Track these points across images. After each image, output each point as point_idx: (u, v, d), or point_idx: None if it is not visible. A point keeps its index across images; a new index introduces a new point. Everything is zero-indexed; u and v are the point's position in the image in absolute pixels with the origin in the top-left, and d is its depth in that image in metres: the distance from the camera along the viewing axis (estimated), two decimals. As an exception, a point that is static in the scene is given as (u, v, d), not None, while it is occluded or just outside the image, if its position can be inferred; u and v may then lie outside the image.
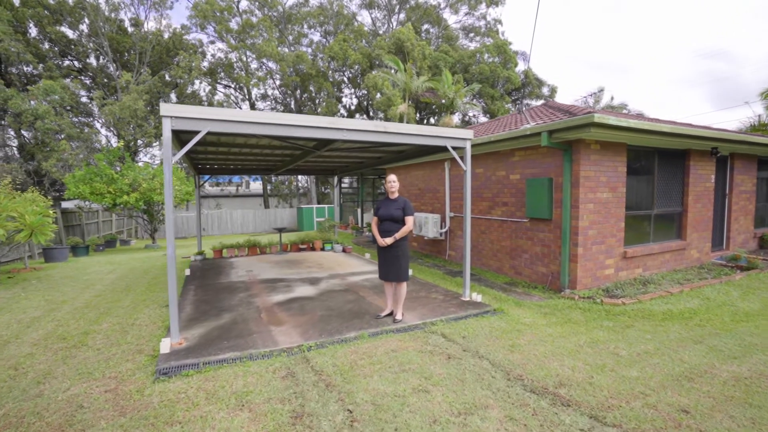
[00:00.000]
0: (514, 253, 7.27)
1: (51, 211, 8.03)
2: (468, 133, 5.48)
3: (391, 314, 4.91)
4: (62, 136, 19.06)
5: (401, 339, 4.19)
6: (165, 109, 3.81)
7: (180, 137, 4.60)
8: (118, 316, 5.23)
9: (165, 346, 3.87)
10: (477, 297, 5.59)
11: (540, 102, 29.32)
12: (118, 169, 13.16)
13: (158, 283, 7.19)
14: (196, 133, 3.99)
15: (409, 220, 4.60)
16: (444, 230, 9.21)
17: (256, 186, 34.01)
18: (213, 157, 7.99)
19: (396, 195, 4.74)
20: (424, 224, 9.39)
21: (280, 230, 10.37)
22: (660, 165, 7.07)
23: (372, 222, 4.83)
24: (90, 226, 15.72)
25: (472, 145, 7.18)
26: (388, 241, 4.56)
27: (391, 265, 4.63)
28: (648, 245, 6.95)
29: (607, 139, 6.00)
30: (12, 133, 21.10)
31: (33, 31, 23.06)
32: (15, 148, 21.93)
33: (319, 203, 27.56)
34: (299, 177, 31.20)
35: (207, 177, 11.33)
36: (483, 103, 27.55)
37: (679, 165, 7.39)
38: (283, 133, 4.32)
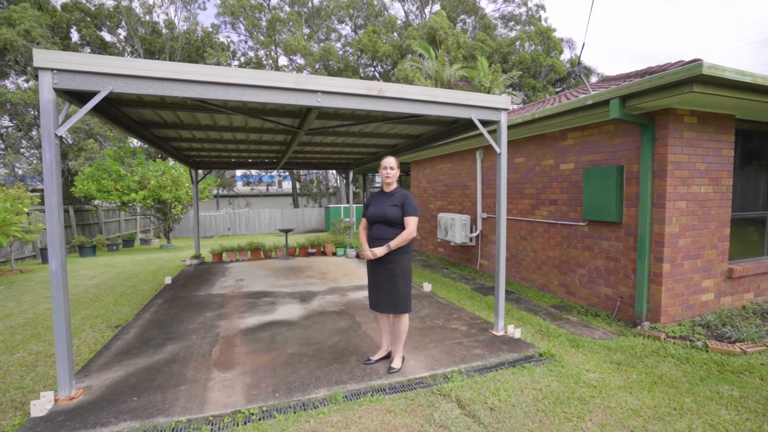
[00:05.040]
0: (566, 266, 5.54)
1: (27, 210, 7.30)
2: (503, 101, 3.89)
3: (387, 357, 3.45)
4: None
5: (392, 408, 2.71)
6: (41, 58, 2.58)
7: (83, 98, 3.16)
8: (47, 340, 4.15)
9: (42, 405, 2.63)
10: (515, 331, 3.98)
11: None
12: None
13: (132, 293, 6.17)
14: (94, 94, 2.75)
15: (411, 222, 3.10)
16: (474, 234, 7.57)
17: (288, 185, 33.56)
18: (199, 146, 6.88)
19: (393, 187, 3.25)
20: (450, 227, 7.80)
21: (286, 231, 9.17)
22: (779, 148, 5.08)
23: (360, 226, 3.38)
24: (110, 225, 15.44)
25: (509, 127, 5.56)
26: (378, 252, 3.10)
27: (385, 288, 3.15)
28: (762, 260, 4.98)
29: (708, 108, 4.18)
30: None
31: (75, 36, 23.78)
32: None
33: (348, 202, 26.41)
34: (329, 177, 30.29)
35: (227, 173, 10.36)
36: (524, 94, 25.24)
37: (806, 149, 5.33)
38: (226, 97, 2.99)
